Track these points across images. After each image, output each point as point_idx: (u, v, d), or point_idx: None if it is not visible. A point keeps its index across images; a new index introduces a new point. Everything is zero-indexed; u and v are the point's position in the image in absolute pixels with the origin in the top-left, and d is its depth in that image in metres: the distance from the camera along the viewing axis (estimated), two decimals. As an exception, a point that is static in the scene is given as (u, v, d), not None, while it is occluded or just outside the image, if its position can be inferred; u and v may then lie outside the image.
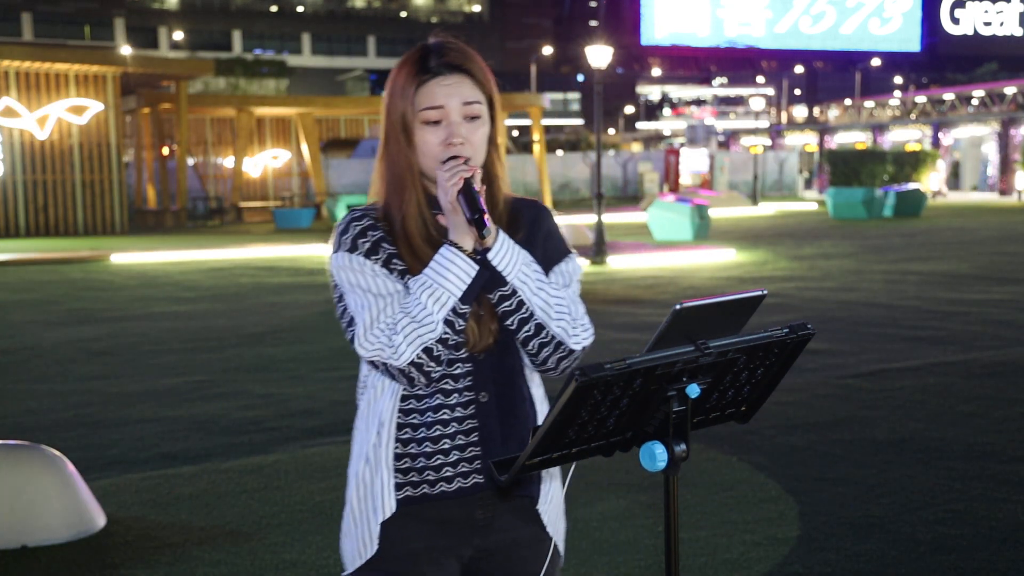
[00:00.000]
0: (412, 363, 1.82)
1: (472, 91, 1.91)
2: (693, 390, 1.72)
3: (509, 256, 1.89)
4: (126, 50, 41.09)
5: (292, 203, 34.72)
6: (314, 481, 5.39)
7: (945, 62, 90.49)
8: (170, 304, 13.04)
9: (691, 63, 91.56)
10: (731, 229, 25.47)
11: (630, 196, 46.63)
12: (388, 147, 1.94)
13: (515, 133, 65.76)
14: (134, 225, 30.20)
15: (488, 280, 1.87)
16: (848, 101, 64.53)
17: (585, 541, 4.48)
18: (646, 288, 13.96)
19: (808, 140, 57.33)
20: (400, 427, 1.91)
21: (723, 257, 18.33)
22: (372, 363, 1.86)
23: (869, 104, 60.52)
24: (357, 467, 1.95)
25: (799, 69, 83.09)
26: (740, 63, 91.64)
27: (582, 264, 2.06)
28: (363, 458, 1.94)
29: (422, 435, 1.91)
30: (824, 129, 55.45)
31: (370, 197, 2.01)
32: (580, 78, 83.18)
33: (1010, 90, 47.93)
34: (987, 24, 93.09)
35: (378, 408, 1.93)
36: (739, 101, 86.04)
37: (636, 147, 72.78)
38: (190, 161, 35.73)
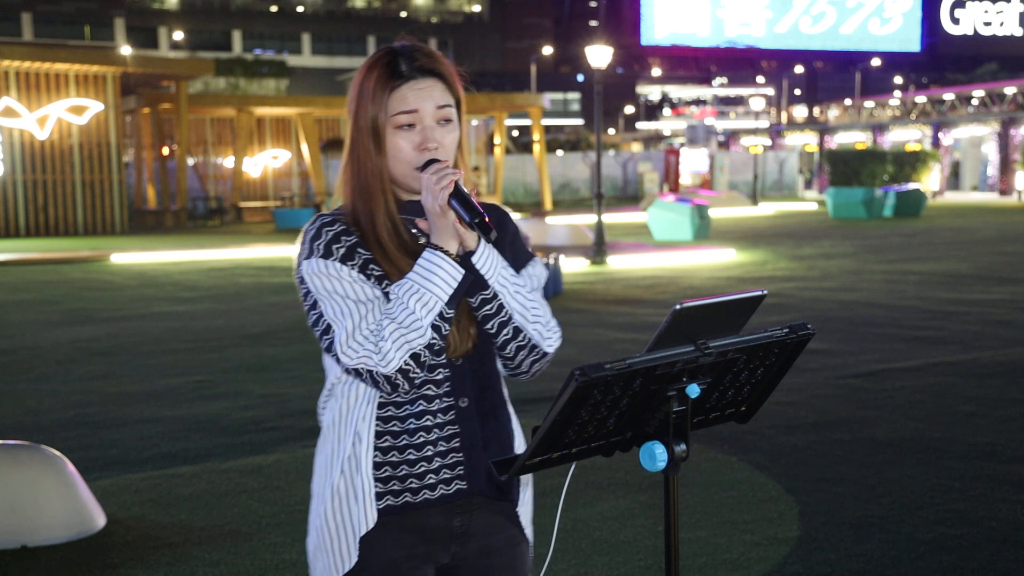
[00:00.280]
0: (399, 369, 1.80)
1: (443, 95, 1.91)
2: (693, 390, 1.72)
3: (490, 260, 1.89)
4: (126, 50, 41.08)
5: (292, 203, 34.71)
6: (314, 481, 5.39)
7: (945, 62, 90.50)
8: (170, 304, 13.05)
9: (691, 63, 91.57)
10: (731, 229, 25.47)
11: (630, 196, 46.64)
12: (356, 152, 1.92)
13: (515, 133, 65.76)
14: (134, 225, 30.20)
15: (472, 284, 1.87)
16: (848, 101, 64.55)
17: (585, 541, 4.48)
18: (646, 288, 13.95)
19: (808, 140, 57.32)
20: (379, 435, 1.88)
21: (723, 257, 18.33)
22: (355, 371, 1.82)
23: (869, 104, 60.54)
24: (331, 479, 1.91)
25: (799, 69, 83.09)
26: (740, 63, 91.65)
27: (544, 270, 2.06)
28: (338, 469, 1.89)
29: (404, 443, 1.88)
30: (824, 129, 55.45)
31: (334, 202, 1.98)
32: (580, 78, 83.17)
33: (1010, 90, 47.94)
34: (987, 24, 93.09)
35: (352, 418, 1.90)
36: (739, 101, 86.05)
37: (636, 147, 72.77)
38: (190, 161, 35.73)
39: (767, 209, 35.67)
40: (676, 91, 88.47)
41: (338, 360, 1.84)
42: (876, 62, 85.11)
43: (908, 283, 13.95)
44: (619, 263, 17.44)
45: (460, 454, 1.90)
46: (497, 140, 38.25)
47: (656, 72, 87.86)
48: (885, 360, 8.50)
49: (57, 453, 4.80)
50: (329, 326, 1.85)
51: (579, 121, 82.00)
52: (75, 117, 26.82)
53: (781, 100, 77.08)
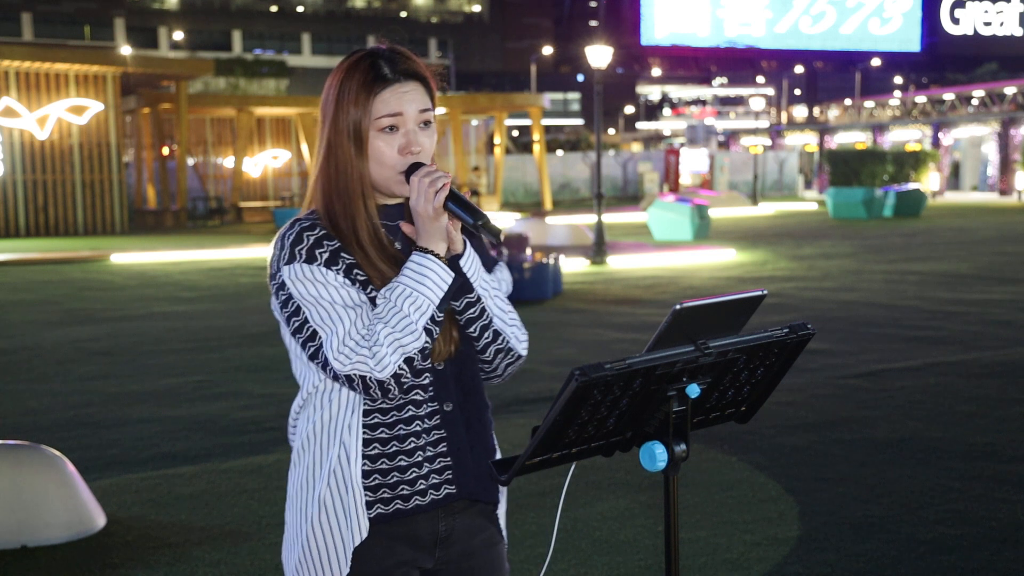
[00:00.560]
0: (393, 374, 1.78)
1: (424, 98, 1.90)
2: (693, 390, 1.72)
3: (475, 263, 1.90)
4: (126, 50, 41.07)
5: (292, 203, 34.69)
6: (314, 481, 5.39)
7: (945, 62, 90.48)
8: (170, 304, 13.05)
9: (691, 63, 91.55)
10: (731, 229, 25.47)
11: (630, 196, 46.64)
12: (333, 155, 1.88)
13: (515, 133, 65.77)
14: (134, 225, 30.20)
15: (458, 287, 1.87)
16: (848, 101, 64.54)
17: (585, 541, 4.48)
18: (646, 288, 13.95)
19: (808, 140, 57.32)
20: (367, 444, 1.86)
21: (723, 257, 18.33)
22: (347, 378, 1.79)
23: (869, 104, 60.53)
24: (316, 491, 1.87)
25: (799, 69, 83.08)
26: (740, 63, 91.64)
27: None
28: (323, 481, 1.86)
29: (394, 449, 1.86)
30: (824, 129, 55.45)
31: (306, 206, 1.94)
32: (580, 78, 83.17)
33: (1010, 90, 47.93)
34: (987, 24, 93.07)
35: (336, 428, 1.87)
36: (739, 101, 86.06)
37: (636, 147, 72.78)
38: (190, 161, 35.73)
39: (767, 209, 35.67)
40: (676, 91, 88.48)
41: (324, 368, 1.81)
42: (876, 62, 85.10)
43: (908, 283, 13.95)
44: (619, 263, 17.44)
45: (448, 459, 1.89)
46: (497, 140, 38.26)
47: (656, 72, 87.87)
48: (885, 360, 8.50)
49: (57, 453, 4.80)
50: (315, 333, 1.82)
51: (579, 121, 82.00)
52: (75, 117, 26.82)
53: (781, 100, 77.08)
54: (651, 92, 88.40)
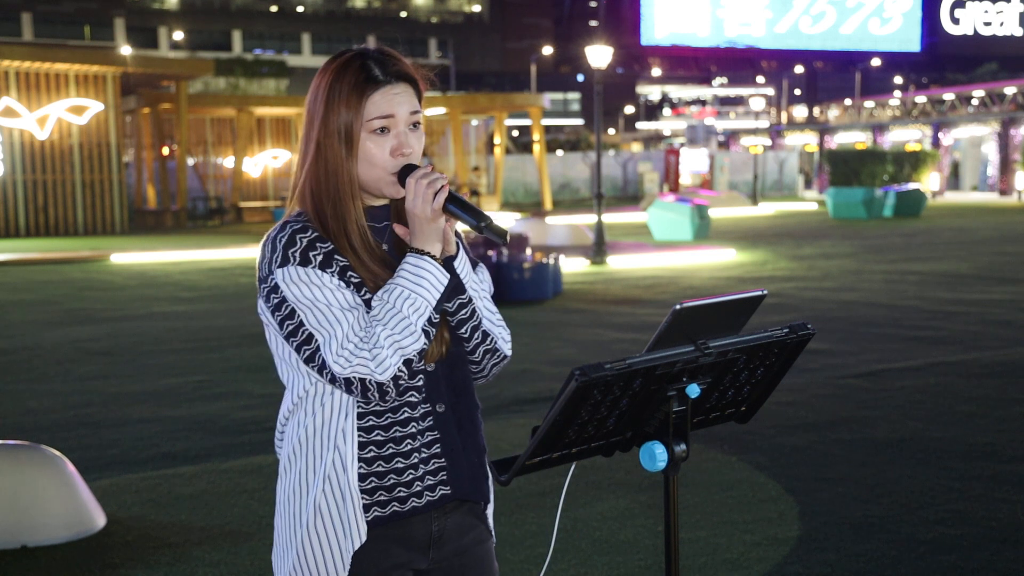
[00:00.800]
0: (392, 376, 1.79)
1: (414, 100, 1.90)
2: (693, 390, 1.72)
3: (467, 264, 1.91)
4: (126, 50, 41.09)
5: (292, 203, 34.67)
6: (314, 481, 5.39)
7: (945, 62, 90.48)
8: (170, 304, 13.05)
9: (691, 63, 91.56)
10: (731, 229, 25.47)
11: (630, 196, 46.64)
12: (323, 156, 1.87)
13: (515, 133, 65.77)
14: (134, 225, 30.20)
15: (452, 288, 1.87)
16: (848, 101, 64.53)
17: (585, 541, 4.48)
18: (646, 288, 13.95)
19: (808, 140, 57.33)
20: (362, 446, 1.85)
21: (723, 257, 18.33)
22: (345, 381, 1.78)
23: (869, 104, 60.51)
24: (312, 496, 1.86)
25: (799, 69, 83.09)
26: (740, 63, 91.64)
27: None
28: (318, 486, 1.85)
29: (390, 451, 1.86)
30: (824, 129, 55.46)
31: (291, 207, 1.93)
32: (580, 78, 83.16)
33: (1010, 90, 47.93)
34: (987, 24, 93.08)
35: (330, 432, 1.86)
36: (739, 101, 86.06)
37: (636, 147, 72.78)
38: (190, 161, 35.72)
39: (767, 209, 35.68)
40: (676, 91, 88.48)
41: (321, 371, 1.80)
42: (876, 62, 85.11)
43: (908, 283, 13.95)
44: (619, 263, 17.44)
45: (442, 460, 1.90)
46: (497, 140, 38.26)
47: (656, 72, 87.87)
48: (885, 360, 8.50)
49: (57, 453, 4.80)
50: (311, 336, 1.80)
51: (579, 121, 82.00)
52: (75, 117, 26.81)
53: (781, 100, 77.07)
54: (651, 92, 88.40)
